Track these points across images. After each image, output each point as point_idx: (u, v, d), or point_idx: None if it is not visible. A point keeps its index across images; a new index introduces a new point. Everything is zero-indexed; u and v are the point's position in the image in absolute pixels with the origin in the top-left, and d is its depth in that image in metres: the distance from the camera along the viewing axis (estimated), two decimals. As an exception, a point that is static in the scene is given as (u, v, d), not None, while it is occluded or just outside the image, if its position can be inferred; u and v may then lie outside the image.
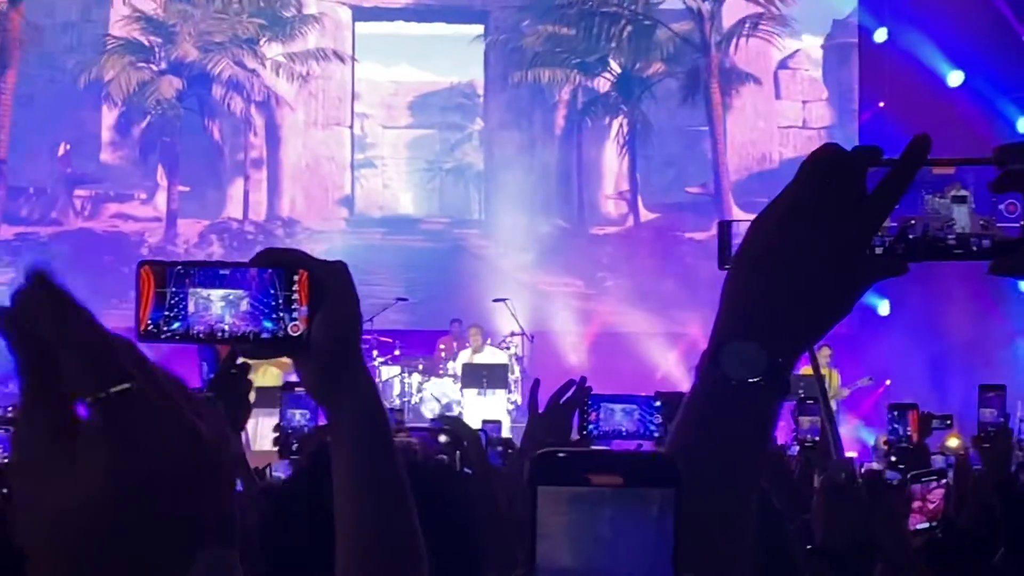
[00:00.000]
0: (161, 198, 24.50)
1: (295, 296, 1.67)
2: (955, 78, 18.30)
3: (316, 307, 1.68)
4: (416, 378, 16.08)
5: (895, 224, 1.43)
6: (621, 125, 24.95)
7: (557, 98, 24.85)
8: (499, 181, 22.74)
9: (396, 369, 16.23)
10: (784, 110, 23.41)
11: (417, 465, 2.13)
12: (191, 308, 1.65)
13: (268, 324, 1.68)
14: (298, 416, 4.76)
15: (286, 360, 1.83)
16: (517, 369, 16.17)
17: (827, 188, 1.42)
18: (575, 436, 3.76)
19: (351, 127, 24.91)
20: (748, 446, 1.46)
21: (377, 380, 13.59)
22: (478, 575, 2.19)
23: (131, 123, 24.48)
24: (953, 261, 1.44)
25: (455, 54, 23.72)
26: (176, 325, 1.65)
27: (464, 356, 16.14)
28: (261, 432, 15.68)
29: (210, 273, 1.67)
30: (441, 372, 16.18)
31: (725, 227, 1.88)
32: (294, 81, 25.06)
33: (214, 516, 1.11)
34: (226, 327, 1.67)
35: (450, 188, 22.87)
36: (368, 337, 16.07)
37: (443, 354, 16.57)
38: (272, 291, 1.67)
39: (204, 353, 3.44)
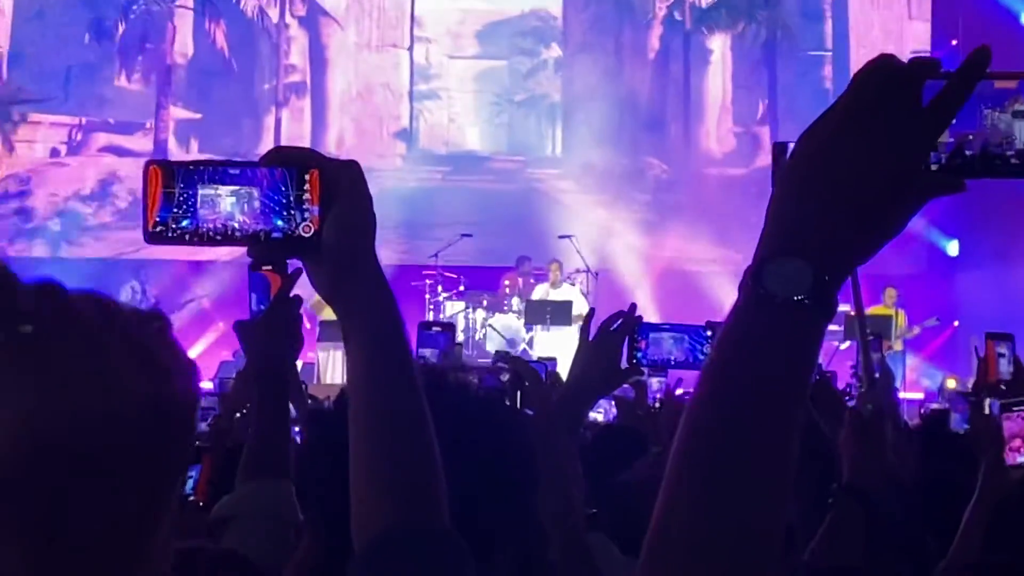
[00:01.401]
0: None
1: (306, 196, 1.64)
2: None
3: (328, 207, 1.64)
4: (480, 314, 16.14)
5: (952, 140, 1.36)
6: (743, 37, 21.75)
7: (652, 13, 22.06)
8: (579, 113, 20.92)
9: (460, 304, 16.25)
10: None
11: (474, 397, 1.99)
12: (200, 206, 1.62)
13: (279, 222, 1.64)
14: None
15: None
16: (585, 304, 15.54)
17: (881, 101, 1.34)
18: (624, 364, 3.61)
19: (410, 50, 22.05)
20: (792, 367, 1.36)
21: (441, 315, 15.10)
22: (532, 513, 2.08)
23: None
24: (1013, 178, 1.38)
25: None
26: (185, 223, 1.62)
27: (540, 291, 16.09)
28: (334, 365, 14.84)
29: (220, 172, 1.63)
30: (506, 308, 16.18)
31: (780, 148, 1.56)
32: None
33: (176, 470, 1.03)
34: (236, 224, 1.64)
35: (520, 122, 21.27)
36: (432, 272, 16.26)
37: (507, 290, 16.53)
38: (283, 189, 1.63)
39: (254, 284, 3.24)
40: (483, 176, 20.83)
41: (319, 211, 1.64)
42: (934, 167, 1.37)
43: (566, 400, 3.38)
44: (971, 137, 1.36)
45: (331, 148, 21.23)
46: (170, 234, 1.63)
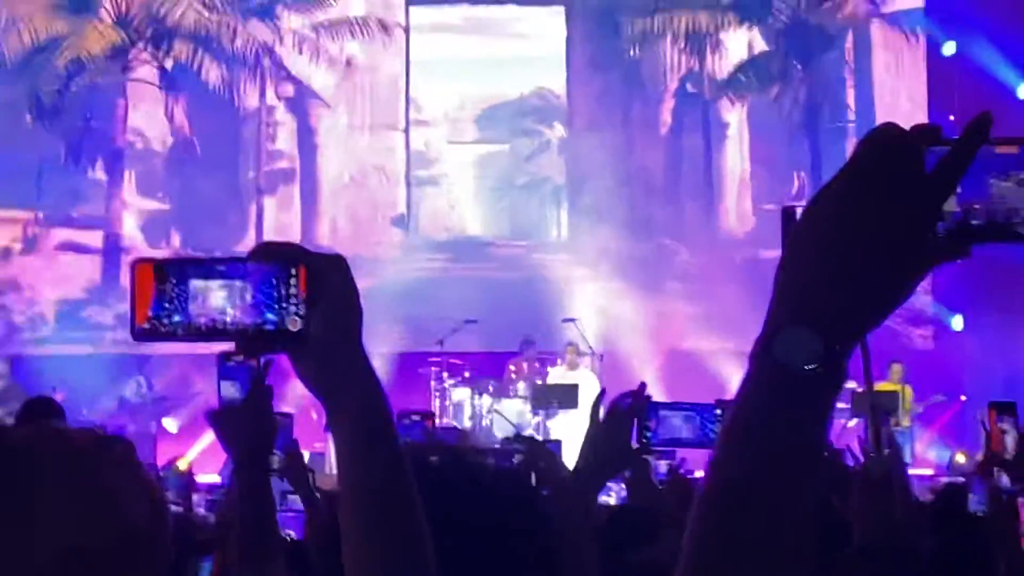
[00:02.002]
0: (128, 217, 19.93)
1: (293, 291, 1.67)
2: (1025, 90, 18.39)
3: (315, 302, 1.67)
4: (486, 400, 16.13)
5: (959, 210, 1.37)
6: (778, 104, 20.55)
7: (664, 86, 20.93)
8: (585, 194, 20.26)
9: (467, 391, 16.29)
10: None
11: (493, 477, 1.96)
12: (192, 301, 1.65)
13: (271, 316, 1.67)
14: None
15: None
16: (597, 387, 14.65)
17: (884, 168, 1.36)
18: (634, 444, 3.65)
19: (406, 131, 20.94)
20: (805, 436, 1.38)
21: (447, 402, 15.48)
22: None
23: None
24: (1018, 243, 1.39)
25: (530, 41, 20.96)
26: (177, 318, 1.65)
27: (556, 374, 16.27)
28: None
29: (209, 268, 1.67)
30: (512, 393, 16.25)
31: (789, 214, 1.55)
32: (328, 65, 20.69)
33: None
34: (228, 319, 1.66)
35: (523, 206, 20.72)
36: (437, 359, 16.27)
37: (513, 375, 16.57)
38: (273, 283, 1.66)
39: (229, 373, 3.35)
40: (486, 263, 19.99)
41: (306, 306, 1.66)
42: (941, 235, 1.36)
43: (578, 481, 3.40)
44: (977, 207, 1.36)
45: (324, 237, 20.22)
46: (162, 331, 1.65)
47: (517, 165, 20.83)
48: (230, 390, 3.39)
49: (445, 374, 16.42)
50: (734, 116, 21.08)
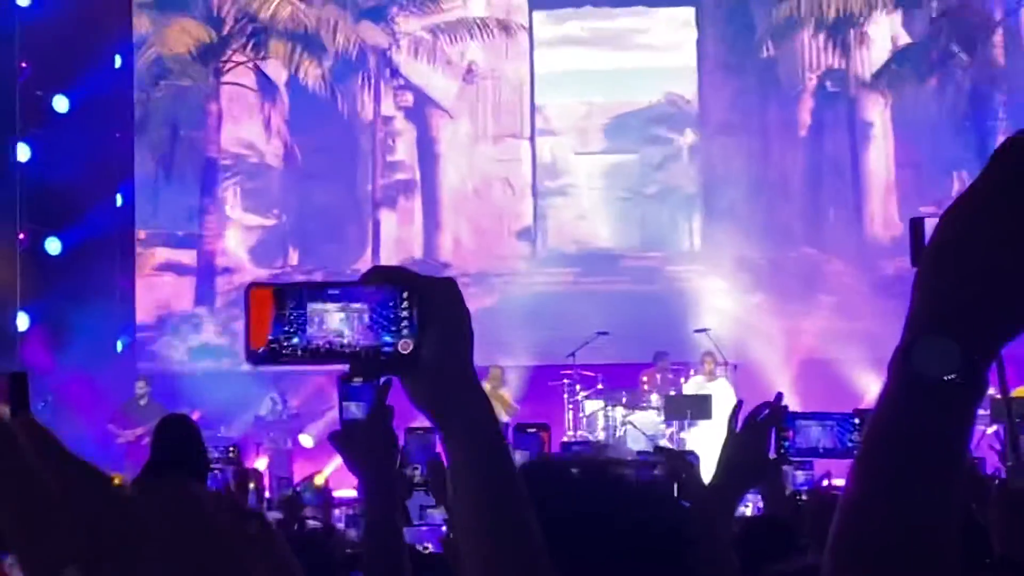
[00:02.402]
0: (232, 235, 19.19)
1: (405, 314, 1.69)
2: None
3: (426, 325, 1.69)
4: (620, 411, 16.22)
5: None
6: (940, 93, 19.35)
7: (801, 85, 19.90)
8: (719, 201, 19.53)
9: (599, 403, 16.38)
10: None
11: (633, 486, 1.94)
12: (309, 324, 1.69)
13: (385, 339, 1.70)
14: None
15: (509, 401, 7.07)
16: (733, 397, 14.50)
17: (1018, 178, 1.35)
18: (772, 455, 3.71)
19: (531, 139, 20.17)
20: (946, 448, 1.36)
21: (581, 414, 15.71)
22: None
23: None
24: None
25: (657, 46, 20.28)
26: (295, 340, 1.69)
27: (694, 384, 16.32)
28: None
29: (324, 292, 1.71)
30: (645, 405, 16.34)
31: (918, 224, 1.77)
32: (447, 70, 19.94)
33: None
34: (343, 342, 1.70)
35: (654, 216, 20.02)
36: (569, 371, 16.37)
37: (646, 387, 16.64)
38: (387, 305, 1.70)
39: (351, 394, 3.50)
40: (617, 276, 19.38)
41: (417, 329, 1.67)
42: None
43: (716, 493, 3.37)
44: None
45: (446, 251, 19.64)
46: (283, 355, 1.68)
47: (646, 174, 20.22)
48: (353, 411, 3.47)
49: (578, 386, 16.55)
50: (878, 114, 19.91)
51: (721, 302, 18.46)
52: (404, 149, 19.95)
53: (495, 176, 20.01)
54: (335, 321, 1.67)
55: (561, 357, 16.83)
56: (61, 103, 16.02)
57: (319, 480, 10.14)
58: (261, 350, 1.67)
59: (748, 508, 9.06)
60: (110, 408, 15.75)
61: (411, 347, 1.67)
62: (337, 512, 9.11)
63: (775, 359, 17.85)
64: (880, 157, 19.86)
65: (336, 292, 1.68)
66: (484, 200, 19.90)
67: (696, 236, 19.93)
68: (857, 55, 19.93)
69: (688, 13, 20.36)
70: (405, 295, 1.67)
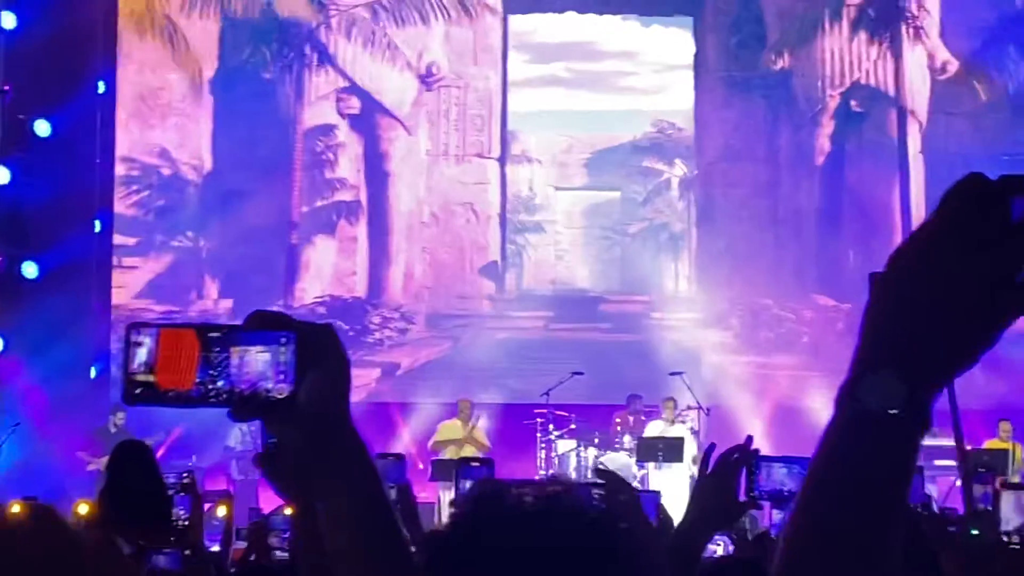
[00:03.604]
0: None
1: (284, 359, 1.70)
2: None
3: (304, 372, 1.70)
4: (592, 452, 16.35)
5: None
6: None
7: (821, 104, 17.97)
8: (715, 240, 18.32)
9: (572, 443, 16.53)
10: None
11: (570, 508, 1.88)
12: (233, 367, 1.71)
13: (262, 383, 1.70)
14: None
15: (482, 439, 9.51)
16: (694, 443, 16.32)
17: (971, 217, 1.39)
18: (742, 497, 3.78)
19: (502, 160, 18.37)
20: (889, 480, 1.43)
21: (553, 454, 16.39)
22: None
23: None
24: None
25: (646, 63, 18.86)
26: (220, 383, 1.70)
27: (654, 428, 16.31)
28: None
29: (204, 335, 1.72)
30: (617, 446, 16.43)
31: (875, 279, 1.58)
32: (402, 72, 17.76)
33: None
34: (220, 386, 1.70)
35: (635, 257, 19.01)
36: (543, 411, 16.40)
37: (619, 428, 16.69)
38: (266, 351, 1.71)
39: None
40: (594, 323, 18.30)
41: (294, 375, 1.68)
42: None
43: (685, 533, 3.50)
44: None
45: (395, 287, 17.66)
46: (157, 396, 1.70)
47: (629, 211, 19.15)
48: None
49: (551, 426, 16.55)
50: (912, 141, 17.71)
51: (701, 347, 17.87)
52: (348, 164, 17.78)
53: (457, 201, 18.07)
54: (258, 364, 1.68)
55: (535, 396, 16.56)
56: (42, 127, 16.17)
57: (290, 510, 9.70)
58: (135, 392, 1.69)
59: (719, 547, 9.17)
60: (82, 434, 15.77)
61: (287, 393, 1.68)
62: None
63: (748, 404, 17.53)
64: (914, 192, 17.76)
65: (217, 335, 1.69)
66: (444, 228, 18.05)
67: (682, 279, 18.76)
68: (891, 67, 17.73)
69: (684, 23, 18.42)
70: (283, 340, 1.69)
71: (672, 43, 18.42)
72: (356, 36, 17.62)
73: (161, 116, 17.47)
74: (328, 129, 17.44)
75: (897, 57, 17.58)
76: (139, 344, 1.68)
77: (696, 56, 18.27)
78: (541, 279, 18.71)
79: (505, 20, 18.01)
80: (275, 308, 1.74)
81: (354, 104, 17.54)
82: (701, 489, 3.61)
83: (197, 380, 1.67)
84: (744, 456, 3.68)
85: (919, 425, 1.39)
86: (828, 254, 17.49)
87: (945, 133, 17.57)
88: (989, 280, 1.36)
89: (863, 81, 17.69)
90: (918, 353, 1.38)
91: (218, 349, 1.67)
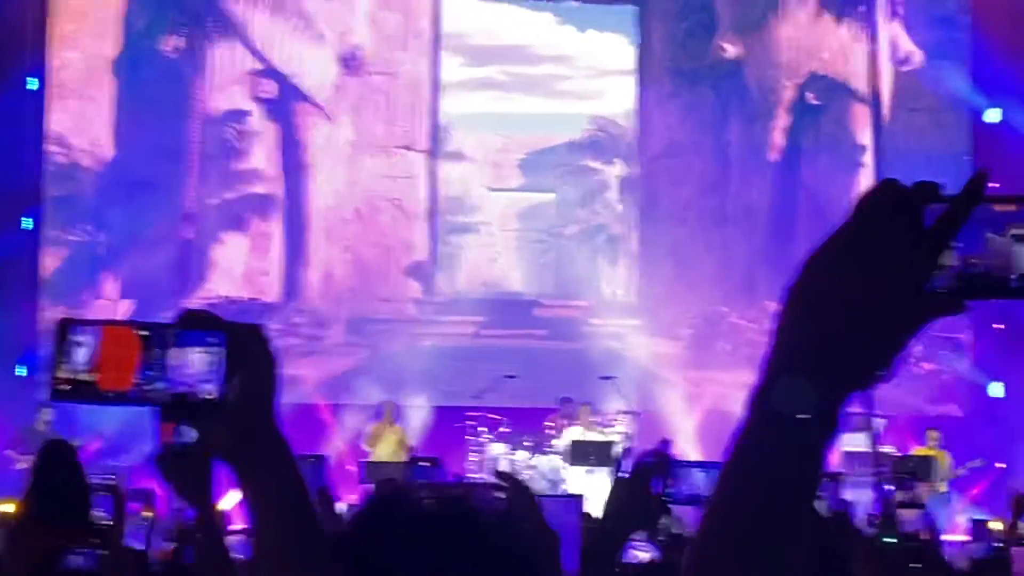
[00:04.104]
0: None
1: (213, 359, 1.69)
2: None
3: (232, 371, 1.69)
4: (523, 455, 16.14)
5: (957, 263, 1.41)
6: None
7: (775, 96, 16.98)
8: (656, 242, 17.50)
9: (503, 446, 16.28)
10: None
11: (470, 511, 1.91)
12: (179, 369, 1.68)
13: (190, 384, 1.69)
14: None
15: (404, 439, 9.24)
16: (622, 447, 15.74)
17: (883, 223, 1.41)
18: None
19: (431, 153, 17.22)
20: (797, 482, 1.44)
21: (484, 457, 16.10)
22: None
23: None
24: (1013, 299, 1.42)
25: (585, 57, 18.10)
26: (159, 384, 1.68)
27: (573, 433, 16.03)
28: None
29: (184, 336, 1.70)
30: (548, 449, 16.20)
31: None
32: (325, 54, 16.48)
33: None
34: (147, 385, 1.69)
35: (571, 260, 18.50)
36: (475, 414, 16.18)
37: (550, 431, 16.39)
38: (194, 351, 1.69)
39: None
40: (529, 329, 17.64)
41: (223, 376, 1.68)
42: (941, 290, 1.40)
43: (601, 535, 3.53)
44: (974, 261, 1.40)
45: (314, 289, 16.45)
46: (79, 392, 1.68)
47: (565, 213, 18.47)
48: (184, 435, 3.10)
49: (483, 428, 16.38)
50: (869, 136, 16.70)
51: (633, 350, 17.44)
52: (262, 154, 16.39)
53: (382, 196, 16.90)
54: (199, 364, 1.67)
55: (466, 399, 16.31)
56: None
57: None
58: (59, 388, 1.67)
59: (648, 553, 9.00)
60: (10, 433, 15.40)
61: (215, 394, 1.67)
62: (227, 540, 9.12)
63: (681, 409, 17.37)
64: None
65: (146, 333, 1.67)
66: (367, 226, 16.85)
67: (620, 283, 18.04)
68: (852, 57, 16.64)
69: (623, 27, 17.49)
70: (214, 341, 1.67)
71: (610, 47, 17.67)
72: (271, 11, 16.27)
73: (58, 98, 16.08)
74: (240, 115, 16.04)
75: (870, 41, 16.59)
76: (79, 344, 1.66)
77: (640, 47, 17.26)
78: (474, 282, 17.93)
79: (437, 2, 16.81)
80: (189, 308, 1.68)
81: (269, 88, 16.18)
82: (616, 492, 3.65)
83: (136, 381, 1.66)
84: (660, 459, 3.73)
85: (828, 430, 1.40)
86: (781, 257, 16.18)
87: (905, 130, 16.63)
88: (900, 285, 1.38)
89: (821, 72, 16.62)
90: (829, 359, 1.39)
91: (158, 349, 1.66)
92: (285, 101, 16.28)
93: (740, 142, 16.77)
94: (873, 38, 16.53)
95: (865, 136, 16.59)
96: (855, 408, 10.91)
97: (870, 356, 1.40)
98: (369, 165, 16.69)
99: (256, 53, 16.28)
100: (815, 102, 16.67)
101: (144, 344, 1.66)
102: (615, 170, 17.93)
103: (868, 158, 16.53)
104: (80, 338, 1.66)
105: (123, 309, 15.53)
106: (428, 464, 8.66)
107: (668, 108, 16.92)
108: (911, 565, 4.72)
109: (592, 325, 17.41)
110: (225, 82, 16.04)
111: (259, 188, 16.25)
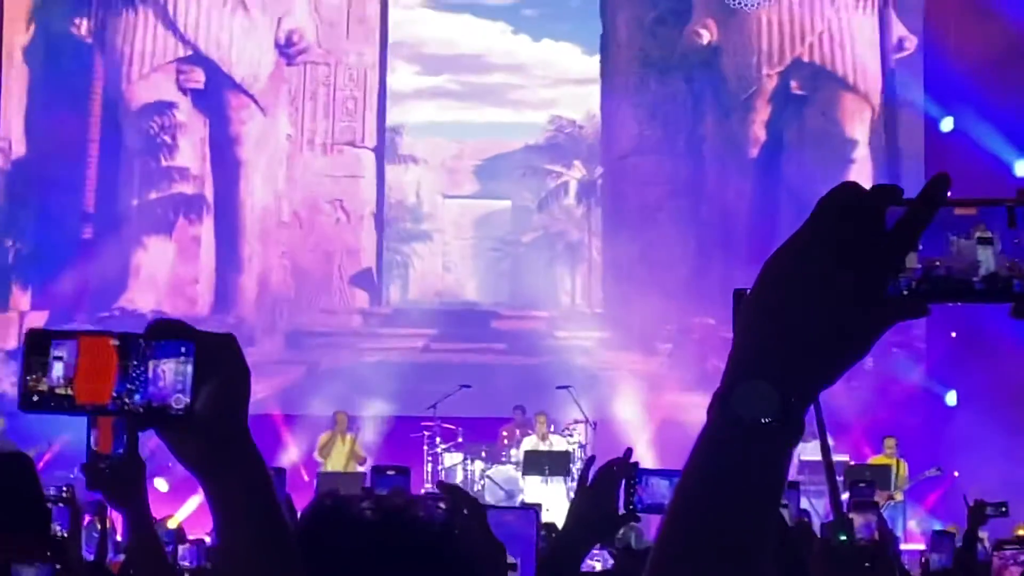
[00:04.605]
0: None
1: (181, 369, 1.65)
2: (1022, 167, 17.73)
3: (202, 381, 1.65)
4: (479, 465, 16.21)
5: (920, 267, 1.41)
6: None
7: (754, 86, 15.86)
8: (619, 249, 16.84)
9: (459, 456, 16.35)
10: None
11: (411, 520, 1.99)
12: (154, 380, 1.66)
13: (159, 394, 1.65)
14: None
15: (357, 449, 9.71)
16: (580, 457, 16.09)
17: (843, 226, 1.39)
18: (621, 510, 3.77)
19: (378, 150, 16.12)
20: (761, 487, 1.42)
21: (439, 467, 16.18)
22: None
23: None
24: (977, 303, 1.41)
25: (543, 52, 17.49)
26: (137, 397, 1.65)
27: (529, 443, 16.10)
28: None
29: (149, 346, 1.67)
30: (504, 459, 16.29)
31: (739, 296, 1.64)
32: (258, 39, 15.21)
33: None
34: (118, 396, 1.67)
35: (526, 269, 18.03)
36: (430, 424, 16.04)
37: (506, 441, 16.48)
38: (163, 361, 1.67)
39: (112, 426, 3.71)
40: (485, 343, 17.09)
41: (192, 385, 1.63)
42: (905, 292, 1.39)
43: (563, 546, 3.50)
44: (938, 263, 1.39)
45: (247, 298, 15.28)
46: (50, 403, 1.65)
47: (521, 219, 18.01)
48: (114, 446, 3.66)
49: (438, 439, 16.35)
50: (862, 130, 15.52)
51: (587, 358, 17.13)
52: (190, 150, 15.11)
53: (324, 197, 15.80)
54: (171, 376, 1.66)
55: (422, 409, 15.97)
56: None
57: (172, 524, 10.14)
58: (32, 398, 1.64)
59: (599, 563, 9.08)
60: None
61: (184, 403, 1.65)
62: (182, 551, 8.99)
63: (637, 417, 16.98)
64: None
65: (117, 344, 1.65)
66: (308, 229, 15.74)
67: (580, 292, 17.61)
68: (839, 41, 15.41)
69: (578, 38, 16.64)
70: (184, 351, 1.66)
71: (568, 55, 16.94)
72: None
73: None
74: (165, 107, 14.66)
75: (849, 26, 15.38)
76: (58, 358, 1.63)
77: (603, 37, 16.24)
78: (427, 291, 17.22)
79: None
80: (159, 318, 1.64)
81: (197, 77, 14.79)
82: (580, 501, 3.61)
83: (114, 394, 1.63)
84: (624, 468, 3.68)
85: (791, 434, 1.39)
86: (761, 262, 15.07)
87: (895, 122, 15.70)
88: (861, 289, 1.37)
89: (806, 58, 15.43)
90: (791, 362, 1.37)
91: (135, 361, 1.63)
92: (215, 91, 14.93)
93: (715, 137, 15.71)
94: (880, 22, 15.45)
95: (856, 129, 15.41)
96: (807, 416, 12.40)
97: (832, 358, 1.38)
98: (310, 163, 15.55)
99: (182, 38, 14.87)
100: (799, 92, 15.58)
101: (120, 355, 1.61)
102: (574, 173, 17.19)
103: (861, 152, 15.38)
104: (58, 352, 1.60)
105: (33, 321, 14.24)
106: (394, 472, 8.18)
107: (636, 101, 15.91)
108: (864, 564, 4.80)
109: (556, 338, 16.84)
110: (147, 70, 14.63)
111: (186, 188, 14.95)
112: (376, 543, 1.81)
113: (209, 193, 14.97)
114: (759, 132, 15.52)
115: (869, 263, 1.37)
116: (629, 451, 3.77)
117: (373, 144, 15.52)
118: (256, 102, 14.97)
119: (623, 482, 3.68)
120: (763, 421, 1.37)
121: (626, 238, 16.08)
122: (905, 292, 1.38)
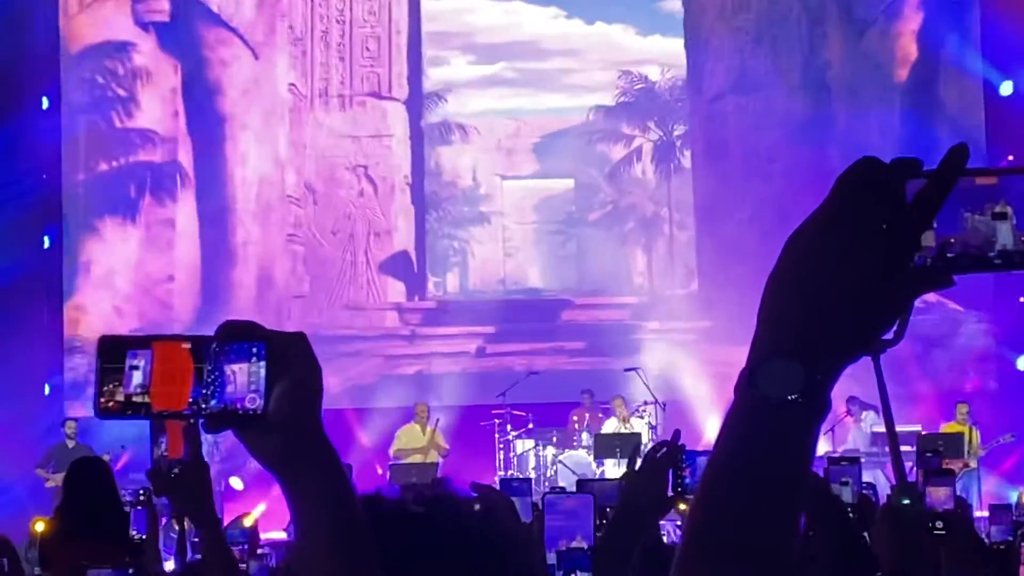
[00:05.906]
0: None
1: (254, 369, 1.71)
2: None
3: (275, 382, 1.72)
4: (551, 451, 16.44)
5: (935, 244, 1.45)
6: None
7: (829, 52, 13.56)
8: (725, 214, 14.84)
9: (531, 443, 16.69)
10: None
11: (461, 518, 2.08)
12: (228, 382, 1.72)
13: (233, 395, 1.72)
14: None
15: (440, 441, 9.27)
16: (650, 438, 15.90)
17: (864, 201, 1.45)
18: (670, 492, 3.89)
19: (410, 104, 13.59)
20: (788, 463, 1.48)
21: (512, 454, 16.93)
22: None
23: None
24: (995, 272, 1.45)
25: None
26: (214, 402, 1.72)
27: (611, 425, 16.49)
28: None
29: (221, 348, 1.72)
30: (575, 444, 16.48)
31: None
32: None
33: None
34: (194, 399, 1.72)
35: (594, 251, 17.40)
36: (500, 411, 16.22)
37: (576, 425, 16.83)
38: (236, 362, 1.71)
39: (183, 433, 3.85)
40: (547, 341, 16.56)
41: (266, 385, 1.69)
42: (921, 266, 1.42)
43: (615, 530, 3.59)
44: (953, 240, 1.42)
45: (243, 295, 13.14)
46: (126, 409, 1.69)
47: (586, 197, 17.36)
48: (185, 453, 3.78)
49: (509, 426, 16.66)
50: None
51: (661, 341, 17.39)
52: (156, 105, 12.07)
53: (342, 162, 13.01)
54: (242, 379, 1.68)
55: (492, 397, 16.29)
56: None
57: (248, 522, 10.11)
58: (107, 405, 1.67)
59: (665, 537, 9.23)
60: (39, 452, 15.43)
61: (258, 403, 1.69)
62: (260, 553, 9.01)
63: (707, 397, 17.07)
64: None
65: (188, 347, 1.68)
66: (322, 205, 12.90)
67: (655, 271, 16.85)
68: None
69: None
70: (254, 351, 1.69)
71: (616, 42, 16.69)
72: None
73: None
74: (119, 48, 11.47)
75: None
76: (135, 367, 1.66)
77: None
78: (488, 279, 15.81)
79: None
80: (229, 320, 1.65)
81: (161, 5, 11.57)
82: (629, 486, 3.64)
83: (191, 399, 1.69)
84: (671, 451, 3.70)
85: (817, 410, 1.43)
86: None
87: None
88: (883, 262, 1.40)
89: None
90: (815, 339, 1.41)
91: (209, 366, 1.67)
92: (186, 26, 11.69)
93: (845, 63, 13.07)
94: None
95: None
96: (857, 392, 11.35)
97: (857, 335, 1.41)
98: (323, 120, 12.76)
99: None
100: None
101: (195, 359, 1.65)
102: (649, 135, 15.92)
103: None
104: (134, 361, 1.64)
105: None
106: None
107: (733, 25, 13.99)
108: (934, 531, 4.46)
109: (651, 331, 16.53)
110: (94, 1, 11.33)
111: (153, 155, 11.91)
112: (418, 532, 1.85)
113: (186, 161, 12.10)
114: (908, 47, 12.23)
115: (890, 235, 1.39)
116: (677, 433, 3.77)
117: (404, 95, 12.66)
118: (243, 39, 11.85)
119: (671, 464, 3.68)
120: (789, 398, 1.41)
121: (723, 201, 13.78)
122: (924, 266, 1.40)
